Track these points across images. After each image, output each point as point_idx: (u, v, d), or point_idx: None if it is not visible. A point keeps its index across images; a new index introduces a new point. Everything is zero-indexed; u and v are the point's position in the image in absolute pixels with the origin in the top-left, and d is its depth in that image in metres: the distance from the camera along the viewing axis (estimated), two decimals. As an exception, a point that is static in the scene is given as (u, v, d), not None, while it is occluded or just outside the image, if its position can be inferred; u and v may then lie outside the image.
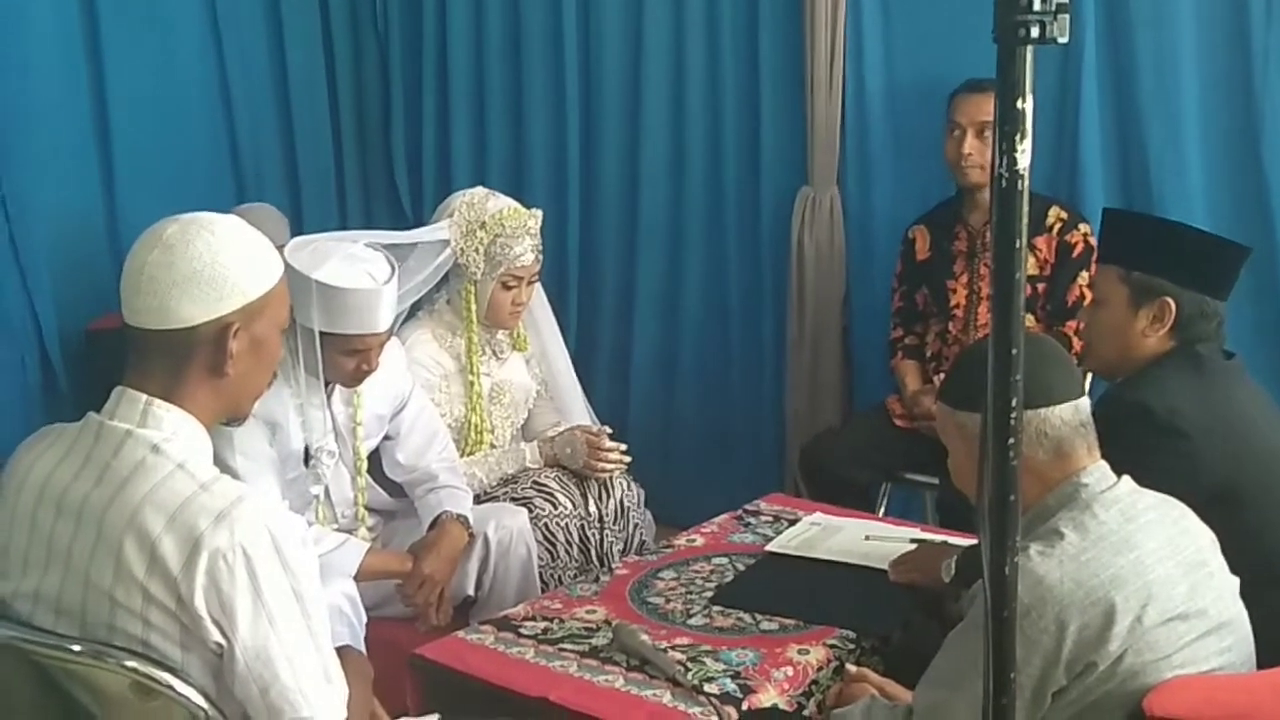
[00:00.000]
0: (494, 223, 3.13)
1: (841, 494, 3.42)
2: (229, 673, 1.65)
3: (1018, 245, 1.18)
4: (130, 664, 1.64)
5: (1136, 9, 3.40)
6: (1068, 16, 1.15)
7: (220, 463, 1.78)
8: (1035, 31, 1.13)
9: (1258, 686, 1.84)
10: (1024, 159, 1.16)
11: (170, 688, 1.64)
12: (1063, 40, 1.14)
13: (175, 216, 1.77)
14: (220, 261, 1.72)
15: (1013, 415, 1.21)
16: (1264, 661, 1.91)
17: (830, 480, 3.56)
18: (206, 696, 1.67)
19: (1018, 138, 1.16)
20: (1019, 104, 1.15)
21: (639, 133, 4.32)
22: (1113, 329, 2.47)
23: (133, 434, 1.69)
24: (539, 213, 3.24)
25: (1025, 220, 1.18)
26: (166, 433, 1.70)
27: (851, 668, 2.23)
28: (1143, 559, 1.79)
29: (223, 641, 1.63)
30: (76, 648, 1.66)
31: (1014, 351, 1.20)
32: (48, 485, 1.72)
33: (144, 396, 1.71)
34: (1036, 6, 1.13)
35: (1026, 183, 1.17)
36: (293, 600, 1.66)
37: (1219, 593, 1.87)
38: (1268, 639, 1.92)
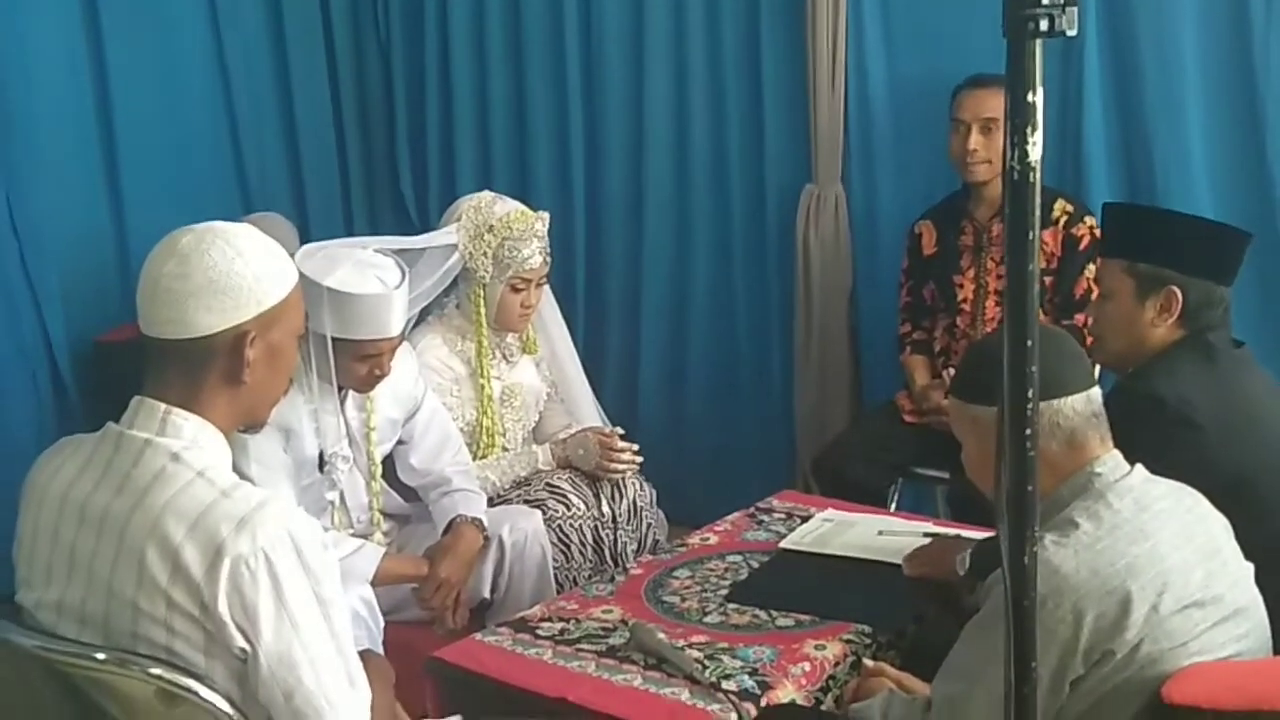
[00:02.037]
0: (501, 226, 3.14)
1: (852, 492, 3.43)
2: (253, 678, 1.66)
3: (1030, 237, 1.19)
4: (155, 671, 1.65)
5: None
6: (1075, 9, 1.15)
7: (236, 470, 1.79)
8: (1044, 25, 1.14)
9: (1275, 672, 1.84)
10: (1035, 151, 1.17)
11: (195, 694, 1.65)
12: (1071, 33, 1.15)
13: (189, 226, 1.77)
14: (235, 270, 1.73)
15: (1029, 406, 1.22)
16: (1280, 647, 1.92)
17: (841, 478, 3.56)
18: (231, 702, 1.68)
19: (1028, 130, 1.17)
20: (1029, 97, 1.16)
21: (642, 133, 4.33)
22: (1121, 321, 2.47)
23: (152, 443, 1.70)
24: (545, 215, 3.25)
25: (1038, 212, 1.19)
26: (186, 441, 1.71)
27: (869, 662, 2.24)
28: (1157, 547, 1.80)
29: (246, 647, 1.64)
30: (101, 656, 1.67)
31: (1029, 343, 1.20)
32: (69, 496, 1.73)
33: (162, 405, 1.72)
34: (1045, 0, 1.14)
35: (1038, 175, 1.18)
36: (315, 604, 1.66)
37: (1234, 579, 1.88)
38: (1284, 625, 1.94)
